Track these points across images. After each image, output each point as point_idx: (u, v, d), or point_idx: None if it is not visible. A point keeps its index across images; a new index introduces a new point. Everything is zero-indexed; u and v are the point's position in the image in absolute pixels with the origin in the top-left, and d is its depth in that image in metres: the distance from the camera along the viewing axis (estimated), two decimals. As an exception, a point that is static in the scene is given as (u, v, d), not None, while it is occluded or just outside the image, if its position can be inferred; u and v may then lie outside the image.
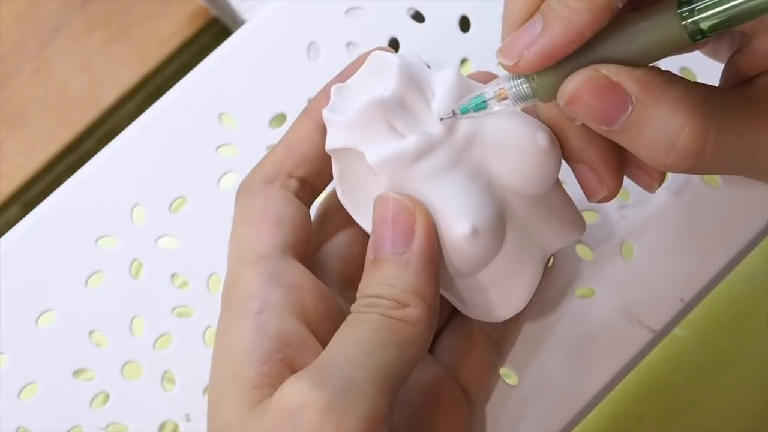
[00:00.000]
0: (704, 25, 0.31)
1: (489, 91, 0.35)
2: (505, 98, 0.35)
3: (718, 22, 0.31)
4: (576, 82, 0.33)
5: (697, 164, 0.33)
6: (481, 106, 0.35)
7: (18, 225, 0.45)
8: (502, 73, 0.35)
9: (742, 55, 0.35)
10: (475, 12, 0.47)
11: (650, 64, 0.33)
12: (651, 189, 0.38)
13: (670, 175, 0.44)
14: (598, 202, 0.37)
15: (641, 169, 0.37)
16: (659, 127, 0.32)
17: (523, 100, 0.34)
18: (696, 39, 0.32)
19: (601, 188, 0.37)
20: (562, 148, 0.36)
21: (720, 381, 0.61)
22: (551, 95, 0.34)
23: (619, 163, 0.37)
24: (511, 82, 0.34)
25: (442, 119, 0.35)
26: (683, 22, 0.32)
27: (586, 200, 0.38)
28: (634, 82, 0.32)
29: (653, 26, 0.32)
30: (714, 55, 0.38)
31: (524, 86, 0.34)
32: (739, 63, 0.35)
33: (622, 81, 0.32)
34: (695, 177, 0.44)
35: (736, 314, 0.62)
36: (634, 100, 0.32)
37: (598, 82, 0.33)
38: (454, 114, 0.35)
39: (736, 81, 0.35)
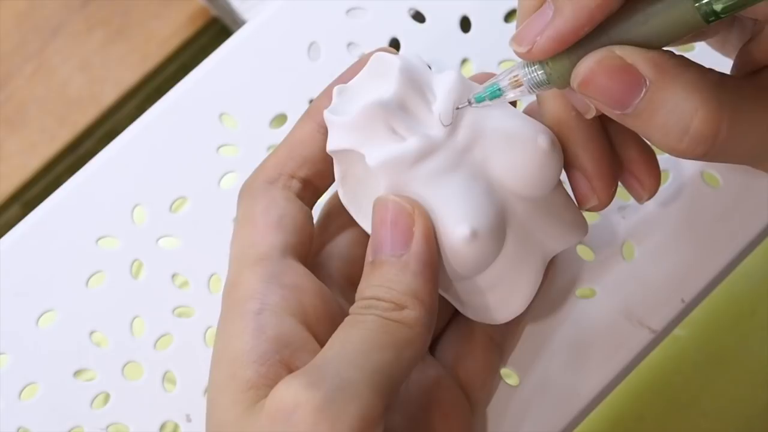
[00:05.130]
0: (717, 6, 0.31)
1: (503, 78, 0.35)
2: (520, 86, 0.34)
3: (731, 4, 0.31)
4: (589, 63, 0.32)
5: (711, 150, 0.32)
6: (496, 94, 0.35)
7: (18, 225, 0.45)
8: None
9: (755, 44, 0.34)
10: (475, 12, 0.47)
11: (664, 48, 0.33)
12: (641, 200, 0.38)
13: (670, 176, 0.44)
14: (588, 210, 0.37)
15: (635, 178, 0.37)
16: (673, 110, 0.32)
17: (538, 87, 0.34)
18: (710, 20, 0.31)
19: (591, 197, 0.37)
20: None
21: (720, 381, 0.61)
22: (566, 80, 0.33)
23: (613, 174, 0.37)
24: (526, 69, 0.34)
25: (458, 108, 0.35)
26: (696, 4, 0.31)
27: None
28: (648, 63, 0.32)
29: (667, 8, 0.32)
30: (722, 47, 0.38)
31: (539, 73, 0.34)
32: (752, 52, 0.34)
33: (637, 62, 0.32)
34: (695, 177, 0.44)
35: (736, 314, 0.62)
36: (647, 82, 0.32)
37: (612, 62, 0.32)
38: (470, 103, 0.35)
39: (748, 71, 0.35)
